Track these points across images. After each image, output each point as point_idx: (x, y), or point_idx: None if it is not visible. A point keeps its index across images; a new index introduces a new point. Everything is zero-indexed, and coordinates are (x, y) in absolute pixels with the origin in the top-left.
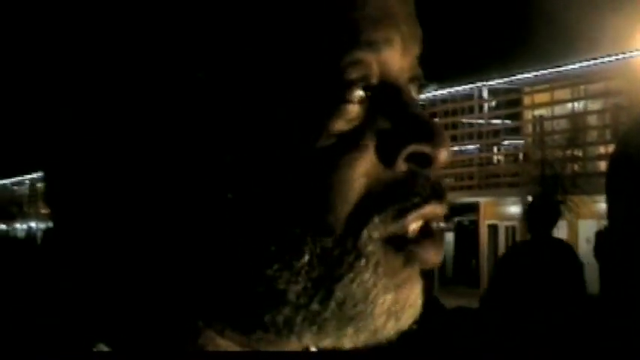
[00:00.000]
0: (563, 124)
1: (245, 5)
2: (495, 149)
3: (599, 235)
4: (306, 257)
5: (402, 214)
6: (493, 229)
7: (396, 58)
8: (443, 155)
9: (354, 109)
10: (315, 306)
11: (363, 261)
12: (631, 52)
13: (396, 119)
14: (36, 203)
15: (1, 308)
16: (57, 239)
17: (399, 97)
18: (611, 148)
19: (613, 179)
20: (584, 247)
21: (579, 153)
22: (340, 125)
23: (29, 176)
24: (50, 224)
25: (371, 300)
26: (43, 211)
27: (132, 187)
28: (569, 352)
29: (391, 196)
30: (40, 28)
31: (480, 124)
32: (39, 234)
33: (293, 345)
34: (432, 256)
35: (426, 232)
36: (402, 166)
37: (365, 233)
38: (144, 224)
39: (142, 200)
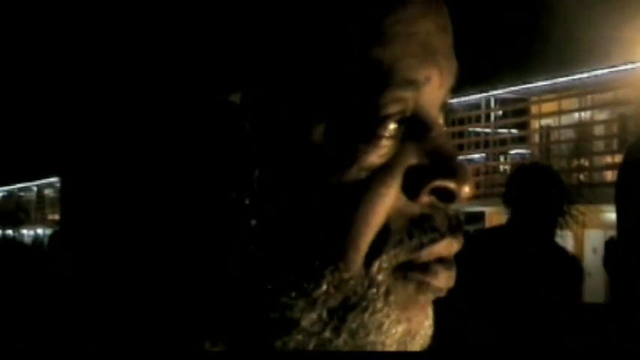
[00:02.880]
0: (570, 133)
1: (287, 32)
2: (502, 158)
3: (609, 245)
4: (324, 287)
5: (417, 249)
6: None
7: (432, 92)
8: (465, 191)
9: (386, 144)
10: (327, 334)
11: (374, 290)
12: (638, 62)
13: (423, 153)
14: (43, 209)
15: (8, 311)
16: (68, 245)
17: (429, 131)
18: (617, 158)
19: (622, 189)
20: (590, 257)
21: (586, 163)
22: (372, 159)
23: (36, 182)
24: (58, 228)
25: (383, 331)
26: (50, 217)
27: (150, 202)
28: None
29: (409, 231)
30: (51, 32)
31: (487, 133)
32: (46, 240)
33: None
34: (444, 280)
35: (439, 259)
36: (425, 199)
37: (377, 264)
38: (159, 238)
39: (159, 216)
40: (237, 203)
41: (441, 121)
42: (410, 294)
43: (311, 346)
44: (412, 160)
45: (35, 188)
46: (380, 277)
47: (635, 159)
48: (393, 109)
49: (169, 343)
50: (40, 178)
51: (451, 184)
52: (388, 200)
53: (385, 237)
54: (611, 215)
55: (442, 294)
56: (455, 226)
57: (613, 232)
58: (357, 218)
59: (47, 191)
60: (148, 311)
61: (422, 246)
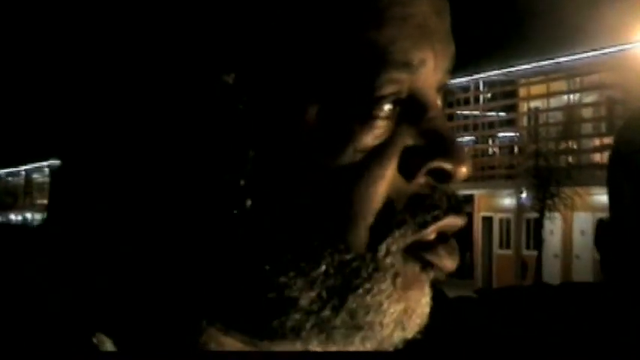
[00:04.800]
0: (558, 116)
1: (282, 13)
2: (490, 141)
3: (600, 226)
4: (323, 267)
5: (422, 227)
6: (487, 222)
7: (428, 74)
8: (463, 172)
9: (382, 124)
10: (326, 313)
11: (381, 273)
12: (626, 44)
13: (420, 134)
14: (31, 194)
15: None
16: (62, 227)
17: (425, 112)
18: (606, 141)
19: (615, 170)
20: (579, 240)
21: (574, 145)
22: (368, 140)
23: (24, 167)
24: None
25: (382, 310)
26: (38, 202)
27: (148, 182)
28: (570, 341)
29: (411, 210)
30: (39, 14)
31: (476, 116)
32: (34, 224)
33: (296, 347)
34: (448, 263)
35: (442, 238)
36: (421, 179)
37: (384, 247)
38: (159, 220)
39: (158, 197)
40: (233, 184)
41: (438, 102)
42: (416, 273)
43: (308, 326)
44: (408, 141)
45: (23, 173)
46: (388, 260)
47: (630, 137)
48: (388, 90)
49: (168, 323)
50: (28, 163)
51: (448, 165)
52: (385, 182)
53: (387, 218)
54: (599, 198)
55: (443, 274)
56: (455, 204)
57: (601, 215)
58: (354, 199)
59: (35, 176)
60: (145, 293)
61: (426, 223)
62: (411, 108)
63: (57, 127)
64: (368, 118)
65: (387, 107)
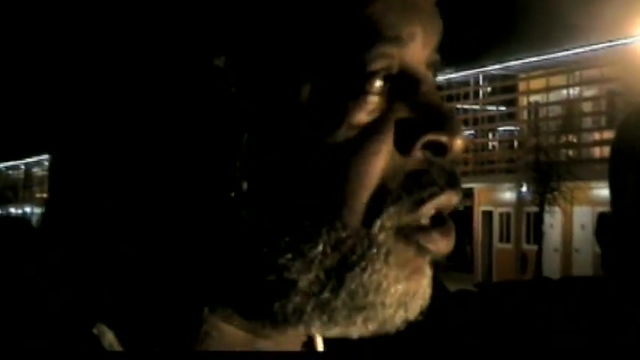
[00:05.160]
0: (558, 110)
1: None
2: (490, 135)
3: (602, 220)
4: (320, 247)
5: (418, 204)
6: (487, 215)
7: (417, 50)
8: (458, 144)
9: (374, 100)
10: (326, 295)
11: (374, 250)
12: (626, 38)
13: (413, 108)
14: (31, 188)
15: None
16: (61, 221)
17: (417, 86)
18: (605, 135)
19: (616, 164)
20: (579, 233)
21: (574, 139)
22: (361, 117)
23: (24, 161)
24: (50, 207)
25: (382, 290)
26: (38, 195)
27: (143, 170)
28: (571, 335)
29: (407, 187)
30: (51, 12)
31: (476, 111)
32: (34, 218)
33: (299, 332)
34: (443, 247)
35: (437, 221)
36: (417, 154)
37: (378, 223)
38: (156, 206)
39: (154, 184)
40: (228, 168)
41: (430, 78)
42: (409, 256)
43: (309, 309)
44: (401, 115)
45: (23, 167)
46: (381, 237)
47: (632, 130)
48: (378, 65)
49: (169, 313)
50: (28, 157)
51: (443, 137)
52: (380, 158)
53: (383, 195)
54: (599, 192)
55: (438, 257)
56: (453, 179)
57: (601, 209)
58: (350, 177)
59: (35, 169)
60: (145, 282)
61: (422, 201)
62: (402, 83)
63: (50, 120)
64: (360, 93)
65: (379, 82)
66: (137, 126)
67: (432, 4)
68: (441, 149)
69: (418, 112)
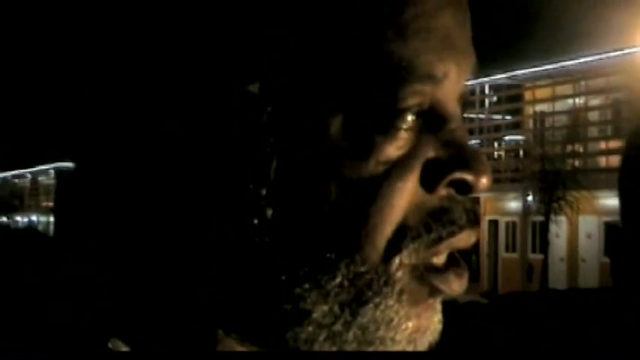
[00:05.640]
0: (564, 119)
1: (307, 24)
2: (496, 144)
3: (611, 231)
4: (338, 280)
5: (436, 242)
6: (493, 225)
7: (450, 86)
8: (484, 184)
9: (404, 136)
10: (338, 327)
11: (389, 288)
12: (632, 48)
13: (441, 145)
14: (37, 196)
15: (12, 299)
16: (78, 235)
17: (447, 123)
18: (611, 144)
19: (626, 174)
20: (584, 243)
21: (580, 148)
22: (390, 152)
23: (30, 169)
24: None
25: (393, 326)
26: (44, 204)
27: (168, 191)
28: (580, 347)
29: (427, 225)
30: (58, 17)
31: (481, 120)
32: (40, 227)
33: None
34: (457, 288)
35: (451, 262)
36: (442, 191)
37: (397, 260)
38: (178, 229)
39: (179, 206)
40: (254, 194)
41: (458, 113)
42: (422, 296)
43: (321, 339)
44: (430, 152)
45: (29, 175)
46: (398, 275)
47: (638, 142)
48: (411, 102)
49: (185, 332)
50: (34, 166)
51: (469, 177)
52: (406, 194)
53: (403, 231)
54: (605, 202)
55: (452, 297)
56: (473, 218)
57: (607, 218)
58: (374, 212)
59: (41, 178)
60: (162, 301)
61: (440, 239)
62: (432, 119)
63: (75, 131)
64: (391, 129)
65: (410, 119)
66: (167, 147)
67: (468, 39)
68: (465, 187)
69: (446, 149)
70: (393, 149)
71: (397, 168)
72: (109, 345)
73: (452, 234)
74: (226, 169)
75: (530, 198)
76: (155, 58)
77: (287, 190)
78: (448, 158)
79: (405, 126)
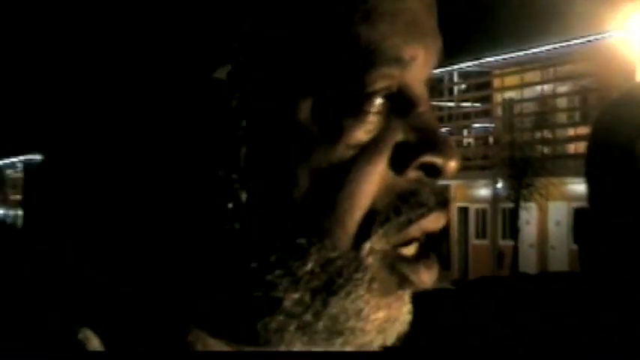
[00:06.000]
0: (532, 106)
1: (275, 9)
2: (465, 132)
3: (578, 215)
4: (309, 266)
5: (406, 225)
6: (463, 212)
7: (417, 69)
8: (452, 167)
9: (373, 119)
10: (308, 317)
11: (360, 274)
12: (600, 34)
13: (410, 129)
14: (4, 190)
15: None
16: (47, 224)
17: (415, 106)
18: (580, 130)
19: (593, 161)
20: (554, 230)
21: (548, 135)
22: (359, 135)
23: None
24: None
25: (363, 317)
26: (11, 197)
27: (138, 179)
28: (550, 335)
29: (397, 208)
30: (27, 8)
31: (450, 107)
32: (8, 220)
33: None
34: (426, 280)
35: (422, 253)
36: (411, 174)
37: (367, 245)
38: (150, 217)
39: (150, 193)
40: (225, 180)
41: (426, 96)
42: (392, 286)
43: (291, 328)
44: (399, 136)
45: None
46: (369, 261)
47: (604, 133)
48: (379, 85)
49: (155, 322)
50: (1, 158)
51: (438, 160)
52: (375, 178)
53: (372, 216)
54: (574, 187)
55: (422, 288)
56: (441, 200)
57: (576, 204)
58: (344, 196)
59: (9, 172)
60: (133, 290)
61: (410, 222)
62: (401, 103)
63: (43, 123)
64: (359, 113)
65: (378, 102)
66: (136, 133)
67: (434, 24)
68: (434, 171)
69: (415, 133)
70: (362, 133)
71: (366, 152)
72: (80, 335)
73: (421, 216)
74: (196, 156)
75: (499, 185)
76: (122, 45)
77: (257, 176)
78: (417, 141)
79: (373, 110)
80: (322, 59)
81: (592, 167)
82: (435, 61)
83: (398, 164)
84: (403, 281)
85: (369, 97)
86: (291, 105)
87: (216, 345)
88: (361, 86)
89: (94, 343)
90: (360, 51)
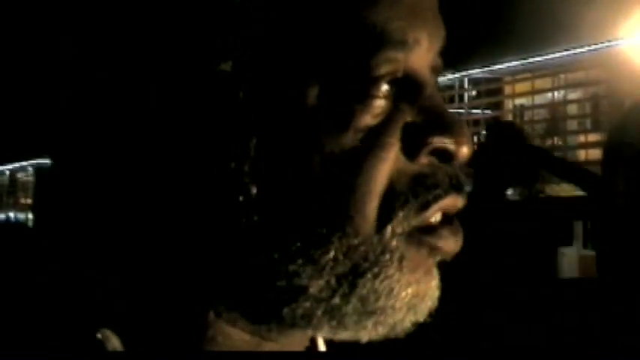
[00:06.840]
0: (543, 113)
1: None
2: (476, 139)
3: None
4: (332, 254)
5: (425, 207)
6: None
7: (422, 54)
8: (464, 151)
9: (380, 104)
10: (336, 300)
11: (387, 256)
12: (611, 41)
13: (418, 112)
14: (15, 193)
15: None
16: (63, 225)
17: (423, 91)
18: (590, 137)
19: (609, 165)
20: None
21: (559, 142)
22: (367, 120)
23: (9, 166)
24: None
25: (394, 295)
26: (22, 201)
27: (150, 175)
28: (565, 337)
29: (414, 190)
30: (42, 14)
31: (461, 114)
32: (20, 223)
33: (306, 334)
34: (453, 245)
35: (445, 220)
36: (424, 159)
37: (389, 229)
38: (164, 213)
39: (162, 188)
40: (237, 172)
41: (433, 82)
42: (422, 258)
43: (319, 313)
44: (408, 119)
45: (7, 172)
46: (394, 243)
47: (620, 138)
48: (384, 69)
49: (175, 317)
50: (12, 162)
51: (450, 145)
52: (388, 162)
53: (391, 200)
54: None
55: (449, 256)
56: (456, 183)
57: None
58: (360, 182)
59: (20, 175)
60: (151, 286)
61: (428, 204)
62: (407, 87)
63: (49, 124)
64: (366, 97)
65: (385, 86)
66: (144, 131)
67: (436, 9)
68: (447, 156)
69: (424, 116)
70: (370, 117)
71: (376, 136)
72: (99, 336)
73: (438, 197)
74: (206, 148)
75: (510, 192)
76: (127, 45)
77: (270, 166)
78: (426, 123)
79: (380, 94)
80: (327, 44)
81: (606, 170)
82: (439, 47)
83: (410, 148)
84: (432, 250)
85: (376, 81)
86: (298, 93)
87: (238, 335)
88: (367, 70)
89: (114, 342)
90: (364, 35)
